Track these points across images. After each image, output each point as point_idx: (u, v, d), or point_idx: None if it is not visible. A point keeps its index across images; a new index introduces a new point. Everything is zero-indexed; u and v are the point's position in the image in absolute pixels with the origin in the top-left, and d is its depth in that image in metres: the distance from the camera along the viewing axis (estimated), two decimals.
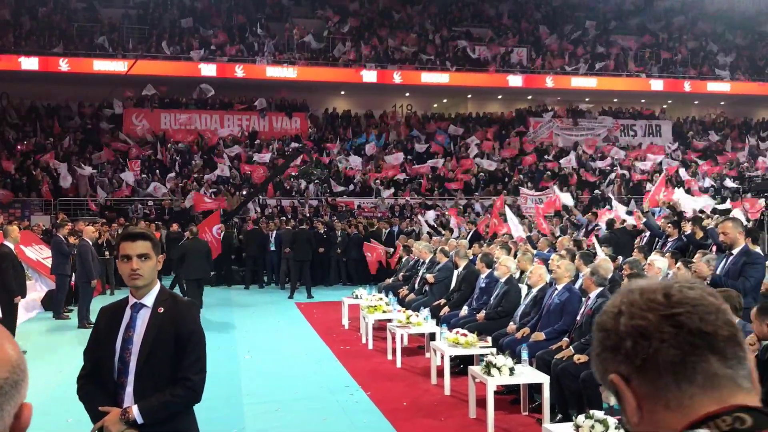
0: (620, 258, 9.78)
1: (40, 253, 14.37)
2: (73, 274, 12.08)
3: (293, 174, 23.27)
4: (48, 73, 24.14)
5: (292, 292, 15.50)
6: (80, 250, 11.24)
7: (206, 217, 16.20)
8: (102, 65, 24.60)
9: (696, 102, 32.29)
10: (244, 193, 21.97)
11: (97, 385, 3.00)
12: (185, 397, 2.92)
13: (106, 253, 15.06)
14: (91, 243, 11.31)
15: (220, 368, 8.41)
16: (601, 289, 6.37)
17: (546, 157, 26.81)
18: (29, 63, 23.74)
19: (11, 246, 9.37)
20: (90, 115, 25.82)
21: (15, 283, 8.97)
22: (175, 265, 12.59)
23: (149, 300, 3.00)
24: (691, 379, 0.95)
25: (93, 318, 7.94)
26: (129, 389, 2.93)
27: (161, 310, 2.98)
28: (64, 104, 25.96)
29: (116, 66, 24.64)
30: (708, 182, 24.10)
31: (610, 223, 13.19)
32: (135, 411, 2.86)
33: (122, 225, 18.12)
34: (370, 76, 26.90)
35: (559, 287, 6.98)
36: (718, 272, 5.95)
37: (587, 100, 30.33)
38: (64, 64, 24.03)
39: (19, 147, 23.60)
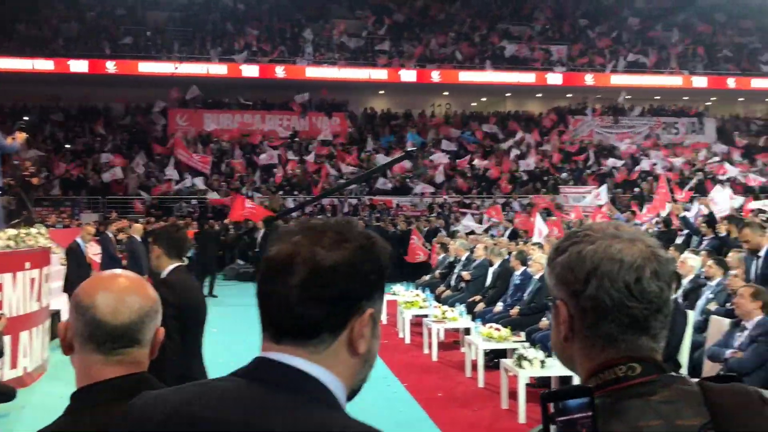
0: None
1: (91, 249, 14.93)
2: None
3: (408, 174, 23.96)
4: (96, 75, 24.93)
5: None
6: (130, 247, 11.69)
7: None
8: (147, 67, 25.32)
9: (741, 99, 31.73)
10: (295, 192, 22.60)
11: None
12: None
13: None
14: (140, 239, 11.74)
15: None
16: None
17: (587, 155, 26.67)
18: (78, 66, 24.56)
19: (81, 243, 9.84)
20: (136, 115, 26.57)
21: (76, 278, 9.42)
22: None
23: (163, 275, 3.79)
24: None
25: None
26: None
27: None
28: (111, 105, 26.78)
29: (161, 68, 25.35)
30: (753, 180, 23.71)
31: (667, 221, 13.17)
32: None
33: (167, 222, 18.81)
34: (408, 75, 27.13)
35: None
36: (751, 277, 6.03)
37: (629, 97, 30.03)
38: (111, 67, 24.80)
39: (68, 146, 24.47)
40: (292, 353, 1.05)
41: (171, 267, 3.71)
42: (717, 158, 26.48)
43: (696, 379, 1.16)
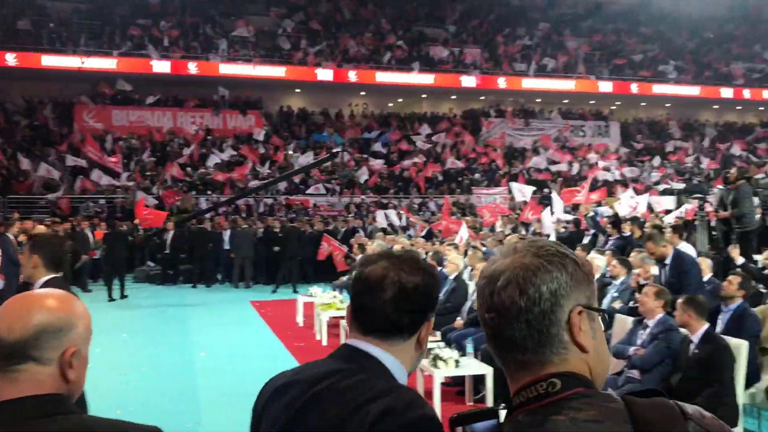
0: None
1: None
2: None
3: (334, 176, 23.89)
4: None
5: (277, 287, 16.21)
6: None
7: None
8: (51, 60, 24.16)
9: (643, 104, 33.27)
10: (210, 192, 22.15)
11: None
12: None
13: None
14: None
15: (175, 365, 8.54)
16: None
17: (498, 156, 27.32)
18: None
19: None
20: (39, 111, 25.34)
21: None
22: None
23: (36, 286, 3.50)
24: None
25: None
26: None
27: None
28: (12, 100, 25.43)
29: (67, 62, 24.25)
30: (654, 180, 24.91)
31: (576, 222, 13.67)
32: None
33: (74, 223, 18.00)
34: (325, 74, 27.01)
35: None
36: (662, 282, 6.32)
37: (538, 100, 31.01)
38: (11, 59, 23.55)
39: None
40: (373, 344, 1.50)
41: (46, 278, 3.50)
42: (619, 160, 27.71)
43: (602, 372, 1.19)
